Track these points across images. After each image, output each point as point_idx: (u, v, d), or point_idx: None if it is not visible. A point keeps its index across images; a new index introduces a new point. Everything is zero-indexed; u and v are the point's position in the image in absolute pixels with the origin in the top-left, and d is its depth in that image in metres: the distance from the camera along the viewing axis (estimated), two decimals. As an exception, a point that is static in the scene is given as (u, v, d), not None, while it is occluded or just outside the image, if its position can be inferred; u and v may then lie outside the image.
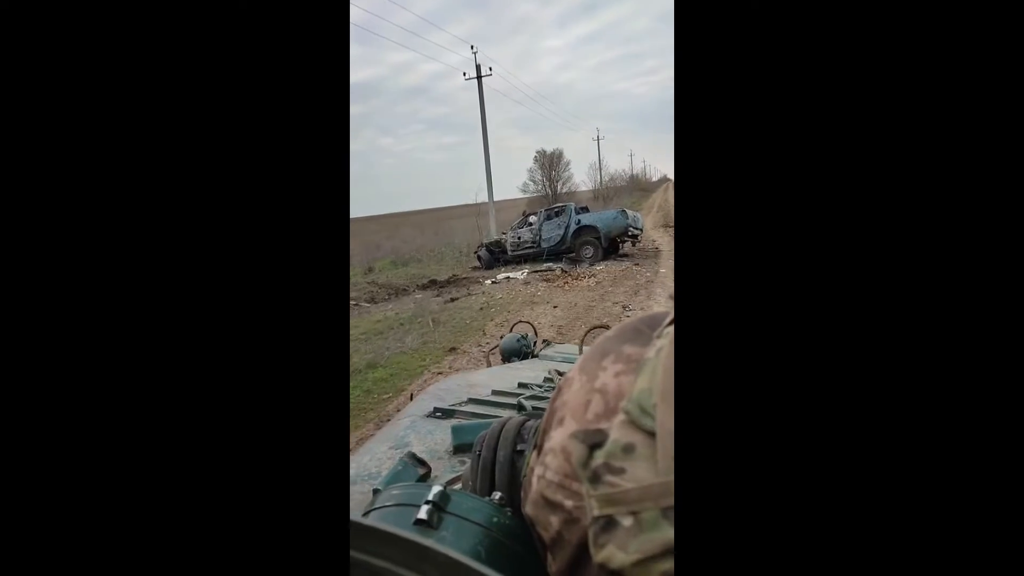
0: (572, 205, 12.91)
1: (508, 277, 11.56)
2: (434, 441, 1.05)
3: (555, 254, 12.87)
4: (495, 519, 0.55)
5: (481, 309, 8.65)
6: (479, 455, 0.68)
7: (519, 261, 13.22)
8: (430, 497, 0.55)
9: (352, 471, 0.97)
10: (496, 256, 13.47)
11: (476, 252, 13.93)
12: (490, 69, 21.67)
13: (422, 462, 0.86)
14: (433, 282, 12.21)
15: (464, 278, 12.46)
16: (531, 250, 12.95)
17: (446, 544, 0.45)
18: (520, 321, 2.93)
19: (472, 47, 21.57)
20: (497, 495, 0.61)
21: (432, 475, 0.87)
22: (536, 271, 11.81)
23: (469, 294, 10.19)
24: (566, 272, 11.24)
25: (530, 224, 13.07)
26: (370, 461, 1.00)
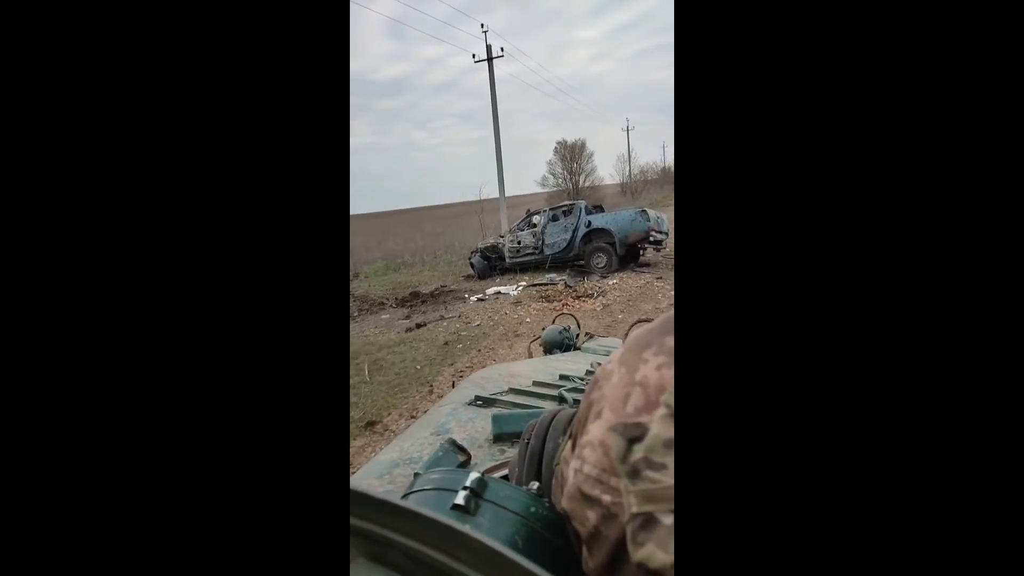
0: (582, 204, 10.66)
1: (499, 292, 9.44)
2: (474, 429, 1.09)
3: (561, 262, 10.70)
4: (532, 509, 0.56)
5: (445, 344, 6.56)
6: (527, 444, 0.70)
7: (518, 270, 11.07)
8: (468, 483, 0.56)
9: (395, 454, 1.04)
10: (492, 263, 11.35)
11: (469, 258, 11.82)
12: (501, 50, 19.51)
13: (462, 449, 0.86)
14: (415, 295, 10.20)
15: (450, 291, 10.41)
16: (532, 257, 10.79)
17: (482, 531, 0.44)
18: (562, 313, 2.93)
19: (482, 25, 19.47)
20: (535, 485, 0.61)
21: (472, 462, 0.87)
22: (535, 284, 9.66)
23: (442, 317, 8.10)
24: (570, 287, 9.05)
25: (533, 226, 10.89)
26: (412, 446, 1.06)
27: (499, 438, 1.02)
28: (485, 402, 1.22)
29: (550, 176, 28.08)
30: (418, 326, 7.63)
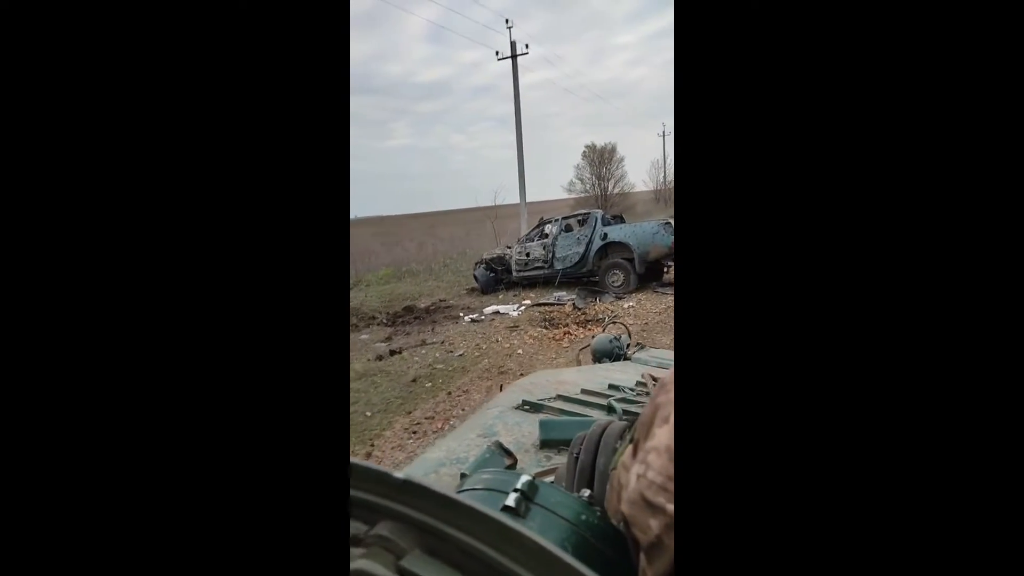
0: (598, 213, 9.42)
1: (497, 312, 8.31)
2: (521, 433, 1.10)
3: (573, 278, 9.50)
4: (583, 516, 0.55)
5: (413, 381, 5.45)
6: (576, 457, 0.68)
7: (526, 284, 9.93)
8: (518, 485, 0.56)
9: (441, 454, 1.06)
10: (498, 277, 10.22)
11: (474, 271, 10.71)
12: (526, 47, 18.44)
13: (508, 452, 0.86)
14: (409, 309, 9.16)
15: (448, 306, 9.34)
16: (541, 271, 9.62)
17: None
18: (615, 322, 3.10)
19: (507, 21, 18.42)
20: (586, 492, 0.60)
21: (518, 466, 0.87)
22: (540, 304, 8.49)
23: (424, 342, 7.00)
24: (579, 310, 7.85)
25: (545, 236, 9.72)
26: (458, 446, 1.08)
27: (546, 444, 1.01)
28: (532, 407, 1.22)
29: (577, 181, 26.74)
30: (392, 353, 6.55)
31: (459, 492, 0.57)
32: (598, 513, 0.56)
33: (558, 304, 8.31)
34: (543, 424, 1.04)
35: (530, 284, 9.90)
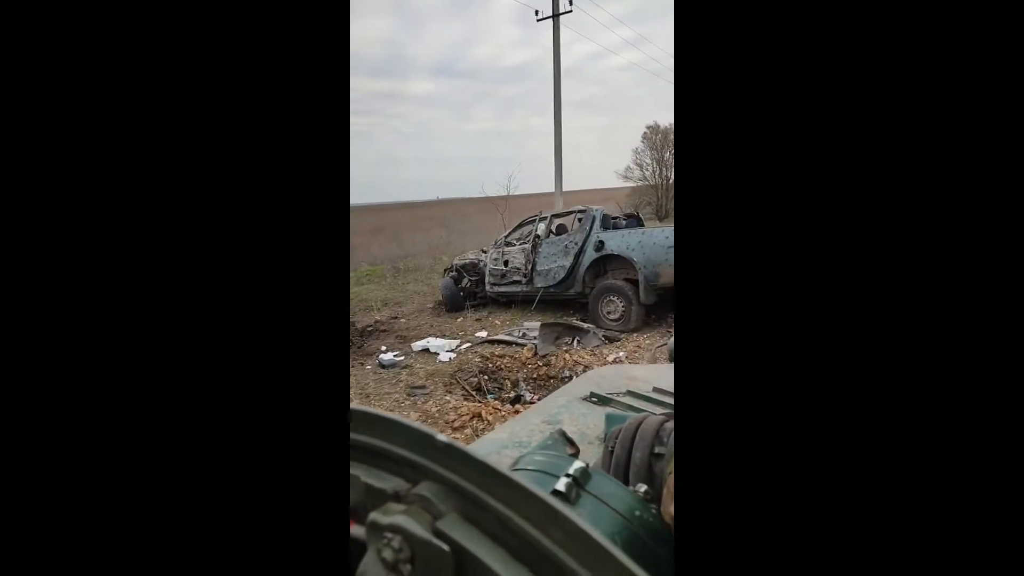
0: (596, 211, 6.55)
1: (427, 350, 5.77)
2: (585, 424, 1.11)
3: (560, 300, 6.80)
4: (637, 512, 0.54)
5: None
6: (611, 451, 0.69)
7: (505, 302, 7.33)
8: (570, 471, 0.55)
9: (504, 435, 1.10)
10: (467, 290, 7.66)
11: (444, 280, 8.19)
12: (569, 2, 15.49)
13: (571, 442, 0.85)
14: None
15: (393, 329, 6.94)
16: (519, 287, 6.98)
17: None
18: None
19: (550, -25, 15.53)
20: (643, 488, 0.58)
21: (579, 457, 0.83)
22: (494, 340, 5.88)
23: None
24: (540, 357, 5.17)
25: (533, 240, 7.00)
26: (522, 430, 1.11)
27: None
28: (600, 400, 1.22)
29: (635, 167, 23.39)
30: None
31: (512, 470, 0.55)
32: (654, 511, 0.55)
33: (516, 343, 5.66)
34: (609, 418, 1.01)
35: (508, 302, 7.28)
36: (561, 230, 6.97)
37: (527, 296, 6.87)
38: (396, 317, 7.62)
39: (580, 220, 6.69)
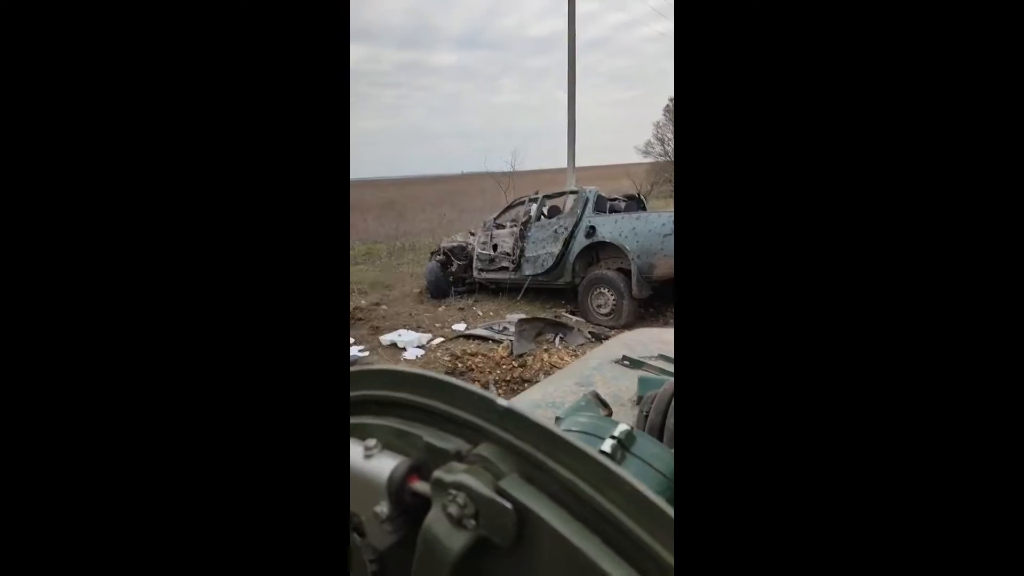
0: (590, 192, 5.89)
1: (395, 344, 5.27)
2: (618, 387, 1.11)
3: (549, 290, 6.21)
4: None
5: None
6: (646, 416, 0.72)
7: (494, 288, 6.78)
8: (616, 433, 0.58)
9: (537, 395, 1.11)
10: (454, 276, 7.12)
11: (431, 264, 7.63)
12: (585, -35, 14.45)
13: (604, 404, 0.86)
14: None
15: (370, 316, 6.45)
16: (507, 273, 6.41)
17: None
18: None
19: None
20: None
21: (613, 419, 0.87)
22: (469, 335, 5.33)
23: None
24: (514, 357, 4.62)
25: (522, 223, 6.37)
26: (555, 391, 1.12)
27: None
28: (632, 363, 1.22)
29: (656, 143, 22.31)
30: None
31: None
32: None
33: (493, 340, 5.11)
34: (642, 381, 1.03)
35: (497, 289, 6.72)
36: (554, 212, 6.34)
37: (516, 284, 6.30)
38: (379, 303, 7.13)
39: (563, 208, 6.05)
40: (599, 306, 5.43)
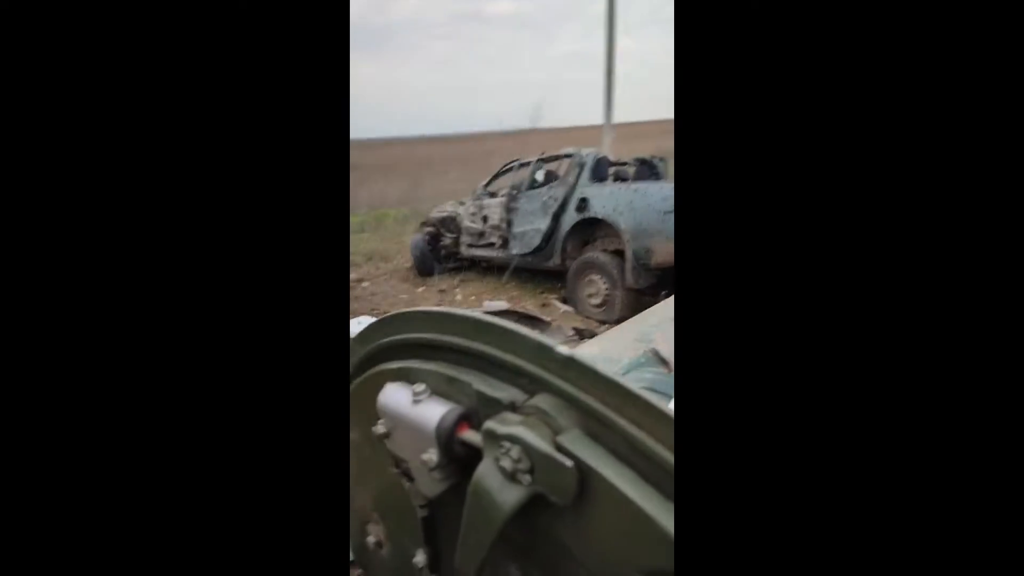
0: (589, 155, 4.84)
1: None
2: None
3: (544, 271, 5.32)
4: None
5: None
6: None
7: (481, 266, 5.96)
8: None
9: (595, 350, 1.08)
10: (446, 251, 6.31)
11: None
12: None
13: (664, 361, 0.83)
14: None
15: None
16: (494, 251, 5.56)
17: None
18: None
19: None
20: None
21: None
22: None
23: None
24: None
25: (509, 192, 5.45)
26: (613, 347, 1.06)
27: None
28: None
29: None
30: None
31: None
32: None
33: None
34: None
35: (487, 267, 5.90)
36: (551, 179, 5.38)
37: (505, 263, 5.45)
38: (362, 280, 6.46)
39: (556, 175, 5.08)
40: (590, 296, 4.53)
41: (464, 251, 5.94)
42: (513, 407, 0.41)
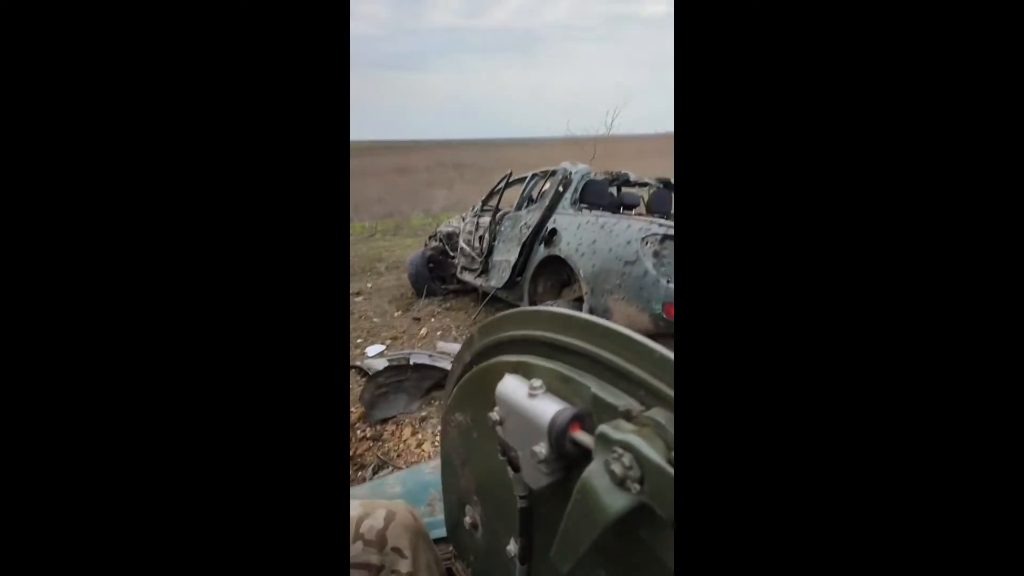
0: (576, 172, 3.90)
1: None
2: None
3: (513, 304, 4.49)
4: None
5: None
6: None
7: (476, 292, 5.24)
8: None
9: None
10: (441, 269, 5.65)
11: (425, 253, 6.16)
12: None
13: None
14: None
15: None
16: (475, 278, 4.81)
17: None
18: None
19: None
20: None
21: None
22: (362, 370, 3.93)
23: None
24: (373, 442, 3.16)
25: (493, 213, 4.64)
26: None
27: None
28: None
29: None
30: None
31: None
32: None
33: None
34: None
35: (483, 294, 5.17)
36: (531, 199, 4.51)
37: (486, 292, 4.70)
38: (359, 293, 6.02)
39: (540, 195, 4.21)
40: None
41: (458, 273, 5.26)
42: (628, 416, 0.41)
